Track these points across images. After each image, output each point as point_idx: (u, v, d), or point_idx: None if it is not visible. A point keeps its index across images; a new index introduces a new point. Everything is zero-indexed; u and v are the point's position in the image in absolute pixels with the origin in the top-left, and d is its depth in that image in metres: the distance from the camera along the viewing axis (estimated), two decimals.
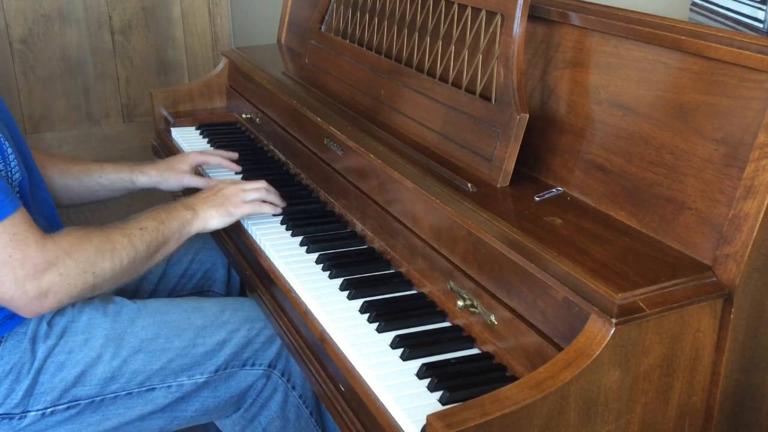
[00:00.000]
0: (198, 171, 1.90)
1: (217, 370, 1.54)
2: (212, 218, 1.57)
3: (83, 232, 1.38)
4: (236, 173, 1.89)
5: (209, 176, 1.87)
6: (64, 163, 1.77)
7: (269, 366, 1.59)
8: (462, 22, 1.45)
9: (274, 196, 1.64)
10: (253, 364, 1.57)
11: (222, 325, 1.55)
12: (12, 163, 1.40)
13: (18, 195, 1.43)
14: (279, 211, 1.63)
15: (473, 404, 0.91)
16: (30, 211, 1.46)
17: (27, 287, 1.30)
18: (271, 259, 1.51)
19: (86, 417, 1.46)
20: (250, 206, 1.60)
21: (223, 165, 1.88)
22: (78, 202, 1.81)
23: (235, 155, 1.91)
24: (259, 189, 1.63)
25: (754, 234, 0.97)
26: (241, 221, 1.65)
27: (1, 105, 1.50)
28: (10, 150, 1.40)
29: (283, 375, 1.60)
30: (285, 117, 1.91)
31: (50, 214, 1.58)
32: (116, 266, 1.40)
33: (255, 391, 1.59)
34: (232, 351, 1.55)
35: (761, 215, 0.97)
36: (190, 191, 1.74)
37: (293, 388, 1.62)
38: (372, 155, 1.46)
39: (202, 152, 1.88)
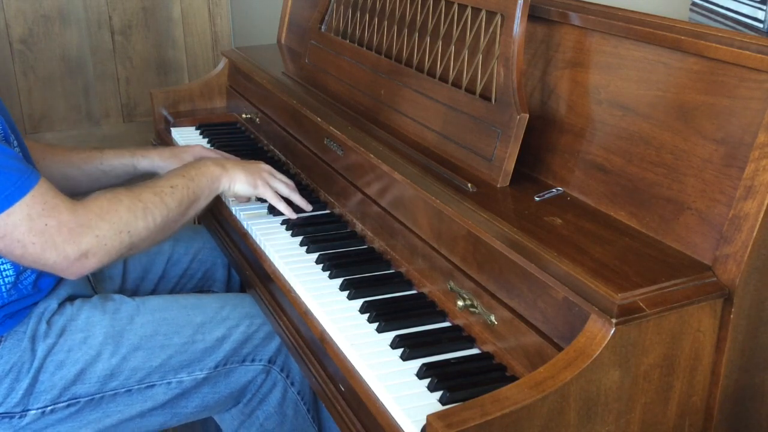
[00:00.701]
0: None
1: (216, 366, 1.54)
2: (239, 181, 1.58)
3: (112, 194, 1.39)
4: None
5: None
6: (64, 152, 1.77)
7: (269, 361, 1.59)
8: (462, 22, 1.45)
9: (299, 199, 1.64)
10: (252, 360, 1.57)
11: (221, 321, 1.56)
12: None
13: None
14: (293, 217, 1.62)
15: (473, 404, 0.91)
16: None
17: (67, 251, 1.31)
18: (271, 259, 1.51)
19: (86, 415, 1.46)
20: (273, 194, 1.61)
21: None
22: (81, 191, 1.80)
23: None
24: (287, 184, 1.64)
25: (754, 234, 0.97)
26: (241, 221, 1.65)
27: (2, 107, 1.50)
28: (15, 143, 1.41)
29: (282, 371, 1.61)
30: (285, 117, 1.91)
31: None
32: (150, 224, 1.41)
33: (254, 386, 1.59)
34: (231, 347, 1.55)
35: (761, 215, 0.97)
36: None
37: (292, 384, 1.62)
38: (372, 155, 1.46)
39: (206, 148, 1.88)
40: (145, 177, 1.84)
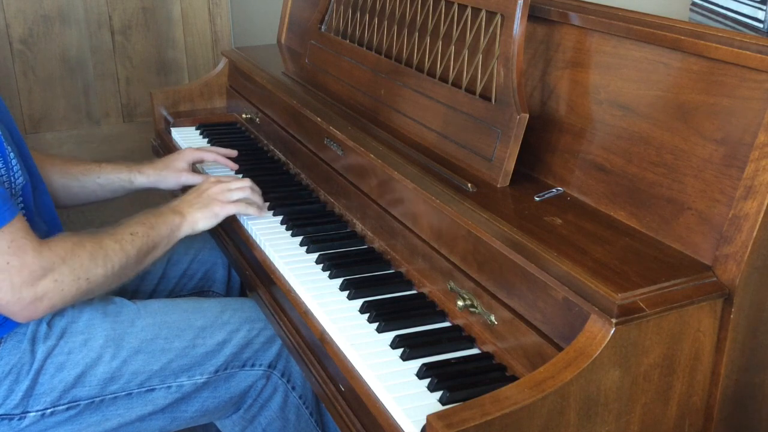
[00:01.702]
0: (196, 168, 1.90)
1: (217, 371, 1.54)
2: (199, 221, 1.58)
3: (77, 238, 1.39)
4: (235, 172, 1.89)
5: (207, 174, 1.87)
6: (63, 163, 1.77)
7: (269, 366, 1.59)
8: (462, 22, 1.45)
9: (257, 197, 1.65)
10: (253, 365, 1.57)
11: (222, 325, 1.55)
12: (14, 168, 1.40)
13: (21, 200, 1.43)
14: (264, 214, 1.63)
15: (473, 404, 0.91)
16: (32, 215, 1.46)
17: (23, 293, 1.31)
18: (271, 259, 1.51)
19: (86, 417, 1.46)
20: (236, 206, 1.61)
21: (219, 162, 1.88)
22: (77, 203, 1.81)
23: (233, 153, 1.91)
24: (243, 188, 1.63)
25: (754, 234, 0.97)
26: (241, 221, 1.65)
27: (2, 108, 1.50)
28: (12, 155, 1.40)
29: (283, 375, 1.60)
30: (285, 117, 1.91)
31: (51, 217, 1.58)
32: (108, 271, 1.41)
33: (255, 391, 1.59)
34: (232, 351, 1.55)
35: (761, 215, 0.97)
36: (189, 189, 1.74)
37: (293, 388, 1.62)
38: (372, 155, 1.46)
39: (198, 149, 1.88)
40: (141, 192, 1.85)
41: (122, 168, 1.81)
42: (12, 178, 1.39)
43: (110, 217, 1.50)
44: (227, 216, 1.61)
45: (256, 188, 1.66)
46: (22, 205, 1.44)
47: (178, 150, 1.91)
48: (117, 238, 1.44)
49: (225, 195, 1.61)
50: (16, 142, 1.47)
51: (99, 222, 1.49)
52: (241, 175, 1.86)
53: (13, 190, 1.39)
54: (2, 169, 1.37)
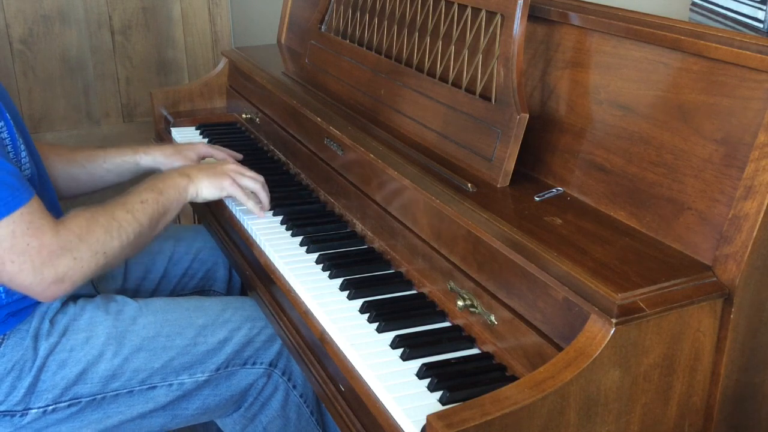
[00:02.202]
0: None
1: (218, 369, 1.54)
2: (205, 187, 1.58)
3: (89, 213, 1.39)
4: None
5: None
6: (68, 152, 1.77)
7: (270, 365, 1.59)
8: (462, 22, 1.45)
9: (265, 195, 1.65)
10: (254, 363, 1.58)
11: (223, 323, 1.56)
12: (24, 159, 1.41)
13: None
14: (262, 214, 1.64)
15: (473, 404, 0.91)
16: None
17: (44, 274, 1.31)
18: (271, 259, 1.51)
19: (87, 415, 1.46)
20: (242, 191, 1.62)
21: (227, 161, 1.88)
22: (82, 191, 1.80)
23: (239, 156, 1.91)
24: (256, 180, 1.64)
25: (754, 234, 0.97)
26: (241, 221, 1.65)
27: (9, 102, 1.50)
28: (22, 146, 1.41)
29: (284, 374, 1.61)
30: (285, 117, 1.91)
31: (55, 212, 1.58)
32: (124, 242, 1.41)
33: (256, 389, 1.59)
34: (233, 350, 1.55)
35: (761, 215, 0.97)
36: None
37: (294, 387, 1.62)
38: (372, 155, 1.46)
39: (209, 145, 1.88)
40: (148, 174, 1.85)
41: (126, 150, 1.80)
42: (21, 168, 1.40)
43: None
44: (231, 195, 1.61)
45: (267, 189, 1.66)
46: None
47: (192, 142, 1.91)
48: (128, 208, 1.44)
49: (237, 176, 1.62)
50: (23, 136, 1.47)
51: None
52: None
53: None
54: (14, 158, 1.37)
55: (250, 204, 1.62)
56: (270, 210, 1.67)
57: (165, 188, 1.52)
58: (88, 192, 1.83)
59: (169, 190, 1.52)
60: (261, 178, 1.66)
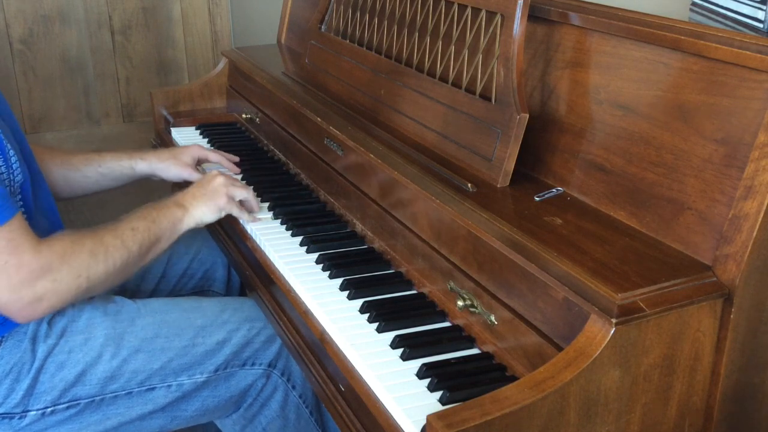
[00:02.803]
0: (199, 168, 1.90)
1: (217, 370, 1.54)
2: (204, 214, 1.58)
3: (77, 236, 1.38)
4: (236, 174, 1.89)
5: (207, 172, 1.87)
6: (64, 154, 1.77)
7: (269, 365, 1.59)
8: (462, 22, 1.45)
9: (255, 203, 1.65)
10: (253, 364, 1.57)
11: (222, 324, 1.56)
12: (14, 165, 1.40)
13: (20, 197, 1.43)
14: (257, 220, 1.63)
15: (473, 404, 0.91)
16: (32, 212, 1.46)
17: (21, 293, 1.30)
18: (271, 259, 1.51)
19: (86, 416, 1.46)
20: (237, 207, 1.61)
21: (223, 164, 1.88)
22: (79, 194, 1.80)
23: (235, 158, 1.91)
24: (247, 188, 1.64)
25: (754, 234, 0.97)
26: (241, 221, 1.65)
27: (3, 103, 1.50)
28: (12, 152, 1.40)
29: (283, 374, 1.60)
30: (285, 117, 1.91)
31: (51, 214, 1.58)
32: (109, 269, 1.40)
33: (255, 390, 1.59)
34: (232, 350, 1.55)
35: (761, 215, 0.97)
36: (187, 184, 1.74)
37: (293, 387, 1.62)
38: (372, 155, 1.46)
39: (204, 148, 1.88)
40: (143, 180, 1.85)
41: (123, 155, 1.80)
42: (11, 175, 1.39)
43: (110, 218, 1.50)
44: (228, 213, 1.61)
45: (252, 194, 1.66)
46: (21, 203, 1.44)
47: (186, 145, 1.91)
48: (118, 234, 1.43)
49: (230, 189, 1.61)
50: (17, 139, 1.46)
51: (98, 222, 1.49)
52: (240, 177, 1.86)
53: (12, 188, 1.39)
54: (2, 167, 1.37)
55: (246, 216, 1.62)
56: (270, 210, 1.67)
57: (158, 217, 1.50)
58: (86, 194, 1.83)
59: (163, 219, 1.51)
60: (248, 187, 1.65)
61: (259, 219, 1.64)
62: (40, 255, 1.31)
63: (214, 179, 1.62)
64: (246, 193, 1.63)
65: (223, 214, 1.60)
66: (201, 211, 1.57)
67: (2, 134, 1.39)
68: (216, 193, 1.59)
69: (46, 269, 1.32)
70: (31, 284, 1.31)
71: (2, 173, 1.36)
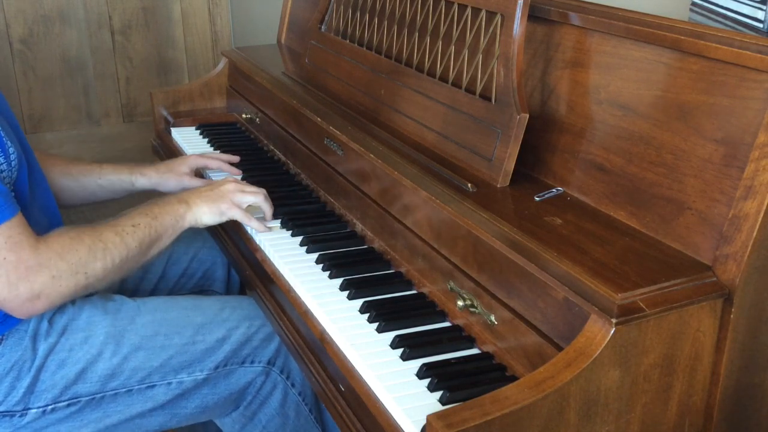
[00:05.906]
0: (199, 173, 1.89)
1: (216, 367, 1.54)
2: (204, 214, 1.56)
3: (75, 232, 1.38)
4: (236, 175, 1.89)
5: (210, 179, 1.86)
6: (63, 163, 1.77)
7: (268, 363, 1.59)
8: (462, 22, 1.45)
9: (268, 207, 1.62)
10: (252, 362, 1.58)
11: (221, 322, 1.56)
12: (13, 162, 1.40)
13: (17, 194, 1.43)
14: (267, 229, 1.60)
15: (473, 404, 0.91)
16: (30, 210, 1.46)
17: (20, 289, 1.31)
18: (271, 258, 1.51)
19: (87, 414, 1.46)
20: (243, 213, 1.58)
21: (223, 169, 1.87)
22: (78, 203, 1.81)
23: (235, 158, 1.91)
24: (257, 193, 1.61)
25: (754, 234, 0.97)
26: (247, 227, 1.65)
27: (2, 101, 1.50)
28: (12, 149, 1.41)
29: (282, 372, 1.61)
30: (285, 117, 1.91)
31: (51, 212, 1.58)
32: (108, 265, 1.40)
33: (254, 388, 1.59)
34: (231, 348, 1.55)
35: (761, 215, 0.97)
36: None
37: (293, 385, 1.62)
38: (372, 155, 1.46)
39: (202, 155, 1.88)
40: (142, 194, 1.84)
41: (123, 169, 1.80)
42: (12, 173, 1.39)
43: (109, 215, 1.49)
44: (232, 218, 1.60)
45: (269, 200, 1.63)
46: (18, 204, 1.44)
47: (182, 155, 1.91)
48: (118, 230, 1.43)
49: (237, 196, 1.59)
50: (16, 135, 1.46)
51: (97, 220, 1.49)
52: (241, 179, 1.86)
53: (11, 185, 1.39)
54: (3, 165, 1.37)
55: (254, 223, 1.58)
56: None
57: (160, 213, 1.49)
58: (85, 203, 1.83)
59: (165, 216, 1.50)
60: (262, 191, 1.62)
61: (269, 228, 1.60)
62: (38, 251, 1.31)
63: (225, 184, 1.60)
64: (255, 198, 1.60)
65: (224, 219, 1.59)
66: (202, 210, 1.56)
67: (2, 131, 1.39)
68: (221, 197, 1.58)
69: (44, 266, 1.32)
70: (30, 280, 1.31)
71: (3, 171, 1.36)
